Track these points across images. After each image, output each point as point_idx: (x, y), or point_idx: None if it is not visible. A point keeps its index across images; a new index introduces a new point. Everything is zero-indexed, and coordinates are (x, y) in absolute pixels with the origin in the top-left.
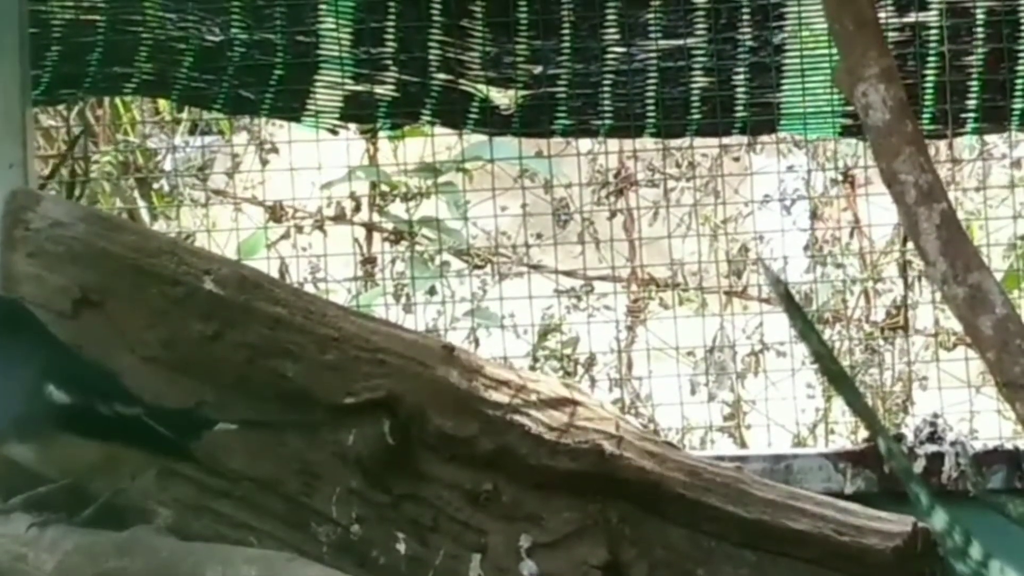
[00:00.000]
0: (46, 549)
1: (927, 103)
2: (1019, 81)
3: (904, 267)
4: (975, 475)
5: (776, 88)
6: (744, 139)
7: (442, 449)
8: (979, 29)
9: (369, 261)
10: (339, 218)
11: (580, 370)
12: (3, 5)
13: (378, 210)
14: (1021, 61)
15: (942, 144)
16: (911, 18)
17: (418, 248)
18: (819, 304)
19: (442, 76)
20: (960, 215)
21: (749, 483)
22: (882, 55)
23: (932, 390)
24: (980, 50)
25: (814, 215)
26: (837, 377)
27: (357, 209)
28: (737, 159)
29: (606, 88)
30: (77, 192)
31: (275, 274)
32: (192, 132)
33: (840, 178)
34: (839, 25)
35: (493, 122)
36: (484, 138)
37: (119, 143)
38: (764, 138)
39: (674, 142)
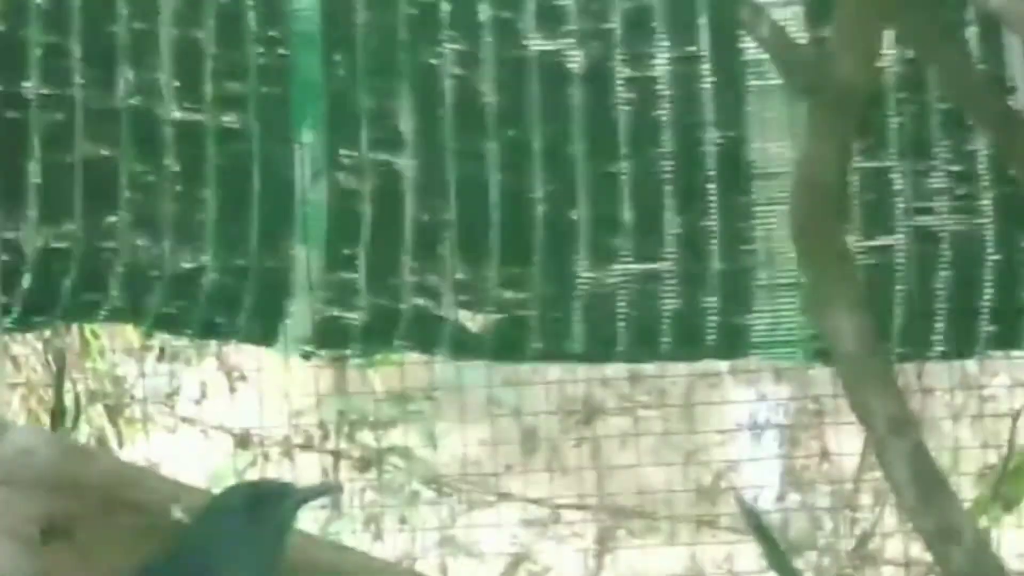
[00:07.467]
0: None
1: (895, 327)
2: (985, 305)
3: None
4: None
5: (746, 312)
6: (718, 364)
7: None
8: (945, 252)
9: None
10: (307, 446)
11: None
12: None
13: (346, 438)
14: (987, 285)
15: (912, 372)
16: (878, 241)
17: (386, 476)
18: (791, 532)
19: (415, 301)
20: (930, 443)
21: None
22: (850, 286)
23: None
24: (946, 273)
25: (789, 442)
26: None
27: (325, 437)
28: (715, 385)
29: (576, 311)
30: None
31: None
32: (160, 359)
33: (812, 406)
34: (807, 255)
35: (465, 347)
36: (452, 365)
37: (87, 371)
38: (738, 364)
39: (646, 368)
